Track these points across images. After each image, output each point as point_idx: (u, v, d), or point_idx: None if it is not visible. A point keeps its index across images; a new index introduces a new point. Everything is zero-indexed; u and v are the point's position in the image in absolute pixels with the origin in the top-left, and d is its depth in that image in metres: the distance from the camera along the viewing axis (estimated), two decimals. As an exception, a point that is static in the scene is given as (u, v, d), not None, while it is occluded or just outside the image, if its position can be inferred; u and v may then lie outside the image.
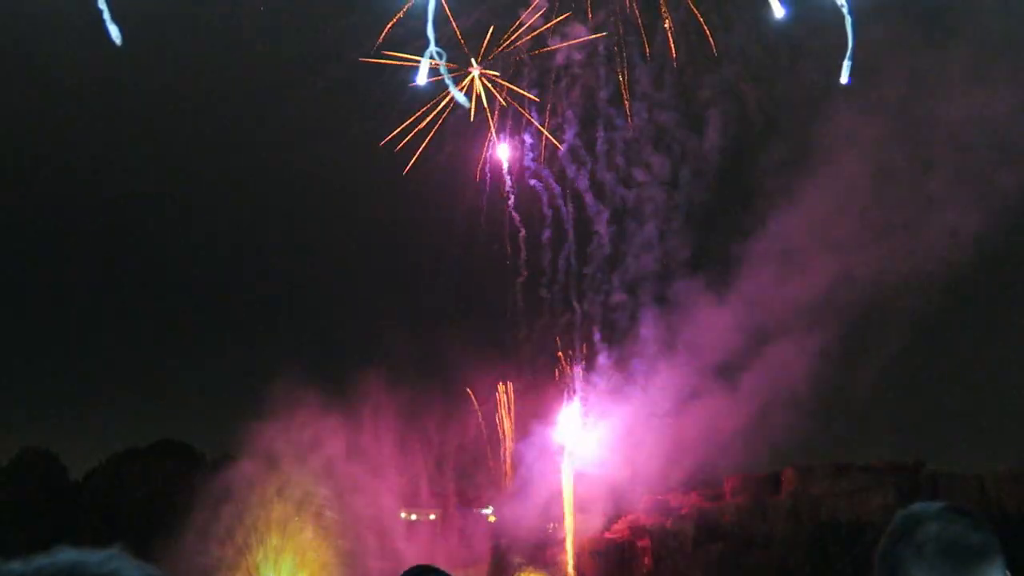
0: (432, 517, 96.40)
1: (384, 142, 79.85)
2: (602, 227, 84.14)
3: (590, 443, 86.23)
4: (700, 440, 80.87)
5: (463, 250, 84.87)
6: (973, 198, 73.07)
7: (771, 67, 78.58)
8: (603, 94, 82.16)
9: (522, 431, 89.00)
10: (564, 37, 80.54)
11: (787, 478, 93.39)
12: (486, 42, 78.10)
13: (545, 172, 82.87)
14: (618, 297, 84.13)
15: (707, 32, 78.89)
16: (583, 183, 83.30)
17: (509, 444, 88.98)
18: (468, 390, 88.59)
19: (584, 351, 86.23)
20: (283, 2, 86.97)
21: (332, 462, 75.94)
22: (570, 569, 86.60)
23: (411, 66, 70.73)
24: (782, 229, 77.31)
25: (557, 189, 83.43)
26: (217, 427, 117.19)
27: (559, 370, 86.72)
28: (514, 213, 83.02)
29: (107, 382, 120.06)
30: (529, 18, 79.05)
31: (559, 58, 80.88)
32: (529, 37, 79.16)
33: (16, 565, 2.96)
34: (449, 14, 71.06)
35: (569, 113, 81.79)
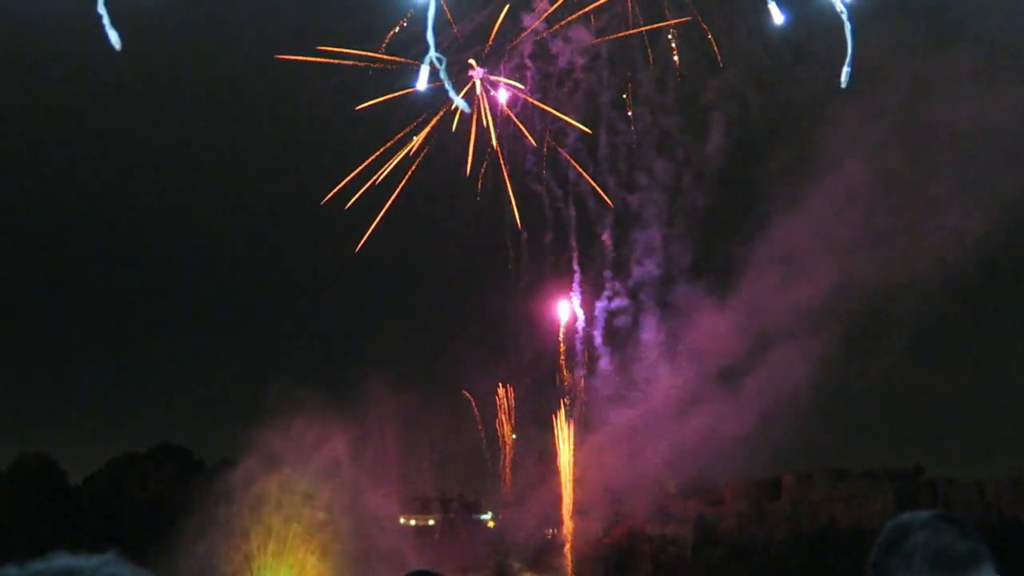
0: (431, 523, 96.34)
1: (381, 151, 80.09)
2: (604, 231, 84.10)
3: (590, 448, 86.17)
4: (700, 446, 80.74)
5: (464, 254, 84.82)
6: (976, 202, 72.96)
7: (774, 71, 78.49)
8: (605, 98, 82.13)
9: (522, 436, 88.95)
10: (567, 41, 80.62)
11: (787, 484, 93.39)
12: (488, 46, 78.25)
13: (547, 176, 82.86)
14: (620, 301, 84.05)
15: (711, 38, 78.97)
16: (585, 187, 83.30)
17: (509, 449, 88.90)
18: (468, 395, 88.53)
19: (585, 356, 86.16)
20: (285, 5, 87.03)
21: (332, 467, 75.91)
22: (570, 574, 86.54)
23: (411, 71, 71.04)
24: (784, 233, 77.18)
25: (559, 193, 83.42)
26: (217, 432, 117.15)
27: (559, 375, 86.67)
28: (516, 215, 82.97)
29: (106, 387, 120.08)
30: (531, 22, 79.12)
31: (561, 62, 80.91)
32: (528, 29, 79.16)
33: (12, 570, 2.96)
34: (451, 18, 71.23)
35: (571, 117, 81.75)
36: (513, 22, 79.08)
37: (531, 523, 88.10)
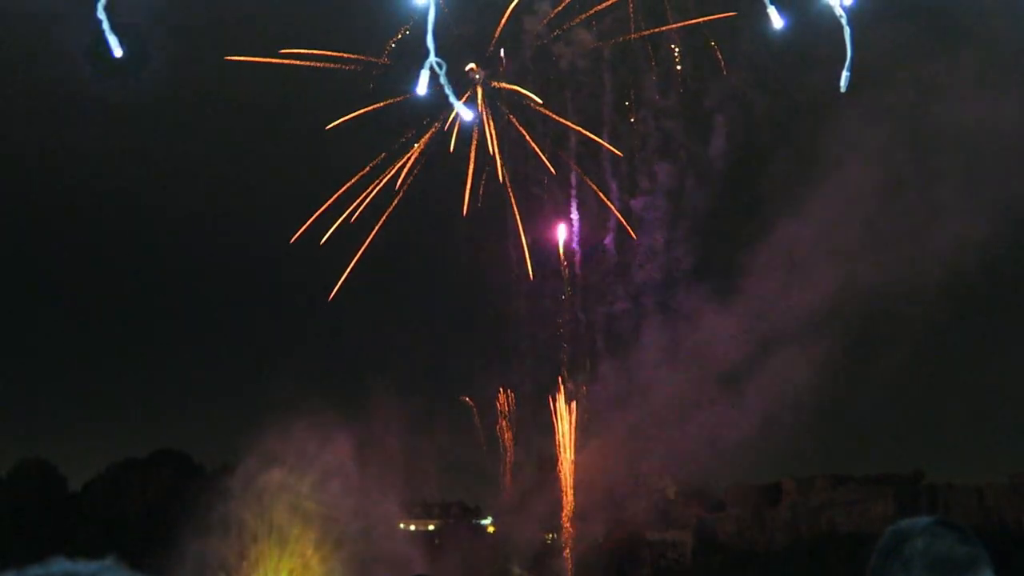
0: (432, 527, 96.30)
1: (379, 159, 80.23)
2: (607, 235, 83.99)
3: (591, 452, 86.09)
4: (701, 450, 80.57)
5: (467, 258, 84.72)
6: (980, 206, 72.65)
7: (777, 74, 78.35)
8: (608, 101, 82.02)
9: (523, 440, 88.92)
10: (569, 44, 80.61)
11: (787, 489, 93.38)
12: (490, 49, 78.31)
13: (549, 180, 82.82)
14: (622, 305, 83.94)
15: (713, 44, 79.00)
16: (587, 190, 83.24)
17: (509, 454, 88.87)
18: (469, 400, 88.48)
19: (587, 359, 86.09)
20: (285, 10, 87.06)
21: (332, 472, 75.79)
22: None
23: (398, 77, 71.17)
24: (787, 237, 76.94)
25: (561, 196, 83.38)
26: (216, 437, 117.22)
27: (562, 378, 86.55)
28: (518, 220, 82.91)
29: (106, 392, 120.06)
30: (534, 26, 79.15)
31: (564, 66, 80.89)
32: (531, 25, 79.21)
33: (10, 574, 2.96)
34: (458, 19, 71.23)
35: (574, 120, 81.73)
36: (515, 26, 79.23)
37: (531, 528, 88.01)
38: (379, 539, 76.56)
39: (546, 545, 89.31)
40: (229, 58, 79.08)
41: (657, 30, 79.93)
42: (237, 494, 74.50)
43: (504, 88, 79.94)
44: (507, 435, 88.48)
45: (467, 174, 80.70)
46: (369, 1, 75.29)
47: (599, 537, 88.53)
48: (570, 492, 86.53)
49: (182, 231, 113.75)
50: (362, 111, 78.98)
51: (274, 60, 77.98)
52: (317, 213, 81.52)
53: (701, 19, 78.70)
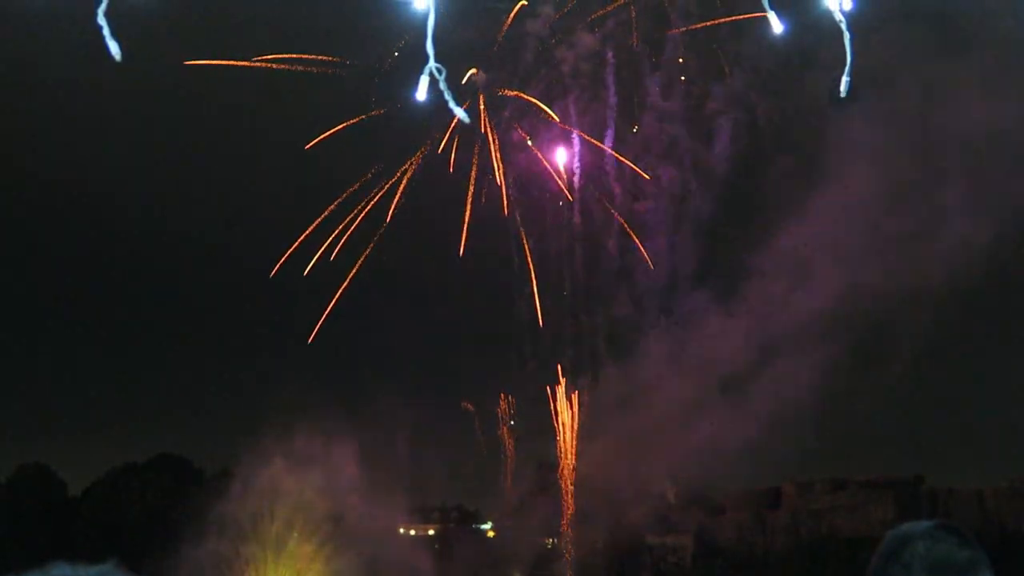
0: (431, 532, 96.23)
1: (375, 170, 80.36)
2: (609, 239, 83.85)
3: (592, 456, 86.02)
4: (703, 455, 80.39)
5: (470, 262, 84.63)
6: (985, 209, 72.41)
7: (781, 77, 78.19)
8: (611, 104, 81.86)
9: (524, 445, 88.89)
10: (572, 47, 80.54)
11: (787, 493, 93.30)
12: (492, 51, 78.31)
13: (552, 184, 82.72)
14: (624, 309, 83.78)
15: (716, 48, 78.96)
16: (591, 194, 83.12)
17: (510, 458, 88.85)
18: (469, 406, 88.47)
19: (589, 364, 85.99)
20: (287, 14, 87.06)
21: (332, 477, 75.69)
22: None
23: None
24: (791, 241, 76.71)
25: (565, 200, 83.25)
26: (216, 442, 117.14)
27: (563, 383, 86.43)
28: (520, 225, 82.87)
29: (105, 397, 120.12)
30: (536, 29, 79.08)
31: (566, 68, 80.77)
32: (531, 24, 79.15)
33: (10, 579, 2.97)
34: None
35: (576, 123, 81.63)
36: (517, 30, 79.19)
37: (531, 532, 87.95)
38: (376, 546, 76.48)
39: (546, 550, 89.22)
40: (188, 63, 78.39)
41: (661, 33, 79.99)
42: (237, 497, 74.44)
43: (511, 95, 79.93)
44: (508, 440, 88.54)
45: (466, 202, 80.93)
46: (369, 10, 75.16)
47: (599, 542, 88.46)
48: (570, 497, 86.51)
49: (183, 235, 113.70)
50: (361, 117, 79.04)
51: (235, 63, 77.84)
52: (316, 222, 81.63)
53: (705, 23, 78.74)
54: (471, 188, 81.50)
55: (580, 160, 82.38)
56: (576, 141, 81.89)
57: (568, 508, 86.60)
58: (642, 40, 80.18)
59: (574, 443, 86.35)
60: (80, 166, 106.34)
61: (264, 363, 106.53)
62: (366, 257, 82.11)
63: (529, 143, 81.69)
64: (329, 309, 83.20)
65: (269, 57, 77.69)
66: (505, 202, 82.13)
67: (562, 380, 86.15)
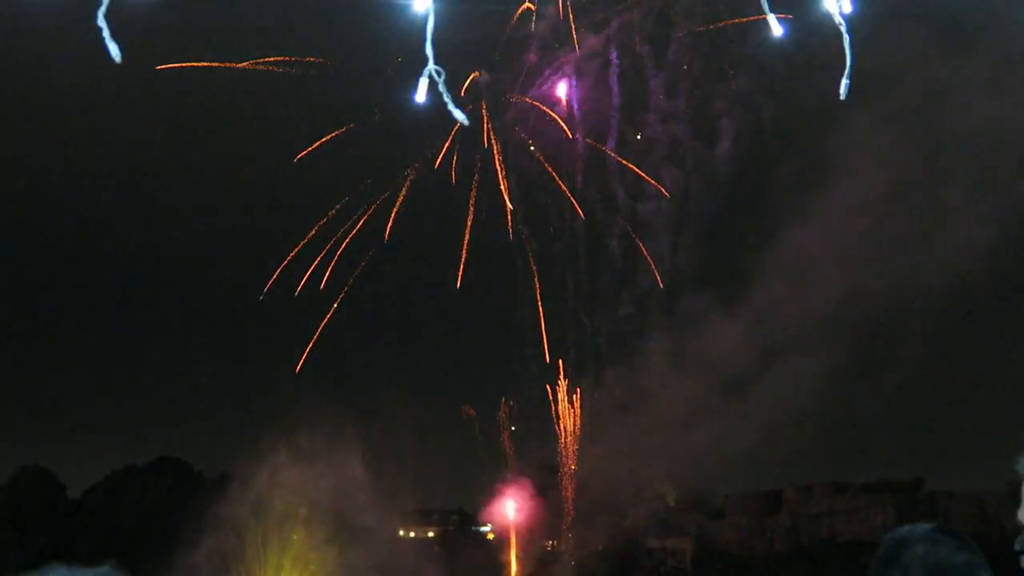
0: (431, 534, 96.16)
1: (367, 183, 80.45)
2: (612, 240, 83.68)
3: (593, 459, 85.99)
4: (703, 457, 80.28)
5: (468, 268, 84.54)
6: (988, 210, 72.15)
7: (786, 78, 77.84)
8: (615, 106, 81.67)
9: (525, 446, 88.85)
10: (575, 49, 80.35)
11: (787, 496, 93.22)
12: (496, 54, 78.28)
13: (554, 184, 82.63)
14: (626, 311, 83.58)
15: (720, 48, 78.82)
16: (593, 194, 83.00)
17: (511, 461, 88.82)
18: (471, 411, 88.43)
19: (592, 365, 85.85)
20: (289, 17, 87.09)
21: (332, 478, 75.63)
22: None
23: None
24: (793, 242, 76.42)
25: (568, 201, 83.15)
26: (215, 445, 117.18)
27: (565, 385, 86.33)
28: (521, 226, 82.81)
29: (105, 400, 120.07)
30: (539, 30, 78.99)
31: (569, 70, 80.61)
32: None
33: (11, 582, 2.97)
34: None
35: (580, 125, 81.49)
36: (519, 32, 79.10)
37: (532, 534, 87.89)
38: (376, 547, 76.42)
39: (546, 552, 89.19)
40: (161, 67, 77.88)
41: (666, 35, 79.84)
42: (236, 505, 74.36)
43: (513, 99, 79.88)
44: (508, 443, 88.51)
45: (472, 180, 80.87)
46: (367, 13, 75.18)
47: (599, 544, 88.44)
48: (571, 499, 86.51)
49: (183, 241, 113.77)
50: (349, 127, 79.10)
51: (205, 64, 77.71)
52: (316, 227, 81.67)
53: (709, 25, 78.62)
54: (473, 193, 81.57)
55: (583, 159, 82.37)
56: (580, 143, 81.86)
57: (568, 510, 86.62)
58: (646, 41, 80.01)
59: (575, 445, 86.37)
60: (81, 165, 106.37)
61: (265, 366, 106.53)
62: (367, 261, 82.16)
63: (532, 148, 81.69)
64: (327, 318, 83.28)
65: (259, 61, 77.76)
66: (508, 205, 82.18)
67: (563, 382, 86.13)
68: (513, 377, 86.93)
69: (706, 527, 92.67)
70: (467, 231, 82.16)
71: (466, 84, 77.84)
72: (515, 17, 77.93)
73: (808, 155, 77.64)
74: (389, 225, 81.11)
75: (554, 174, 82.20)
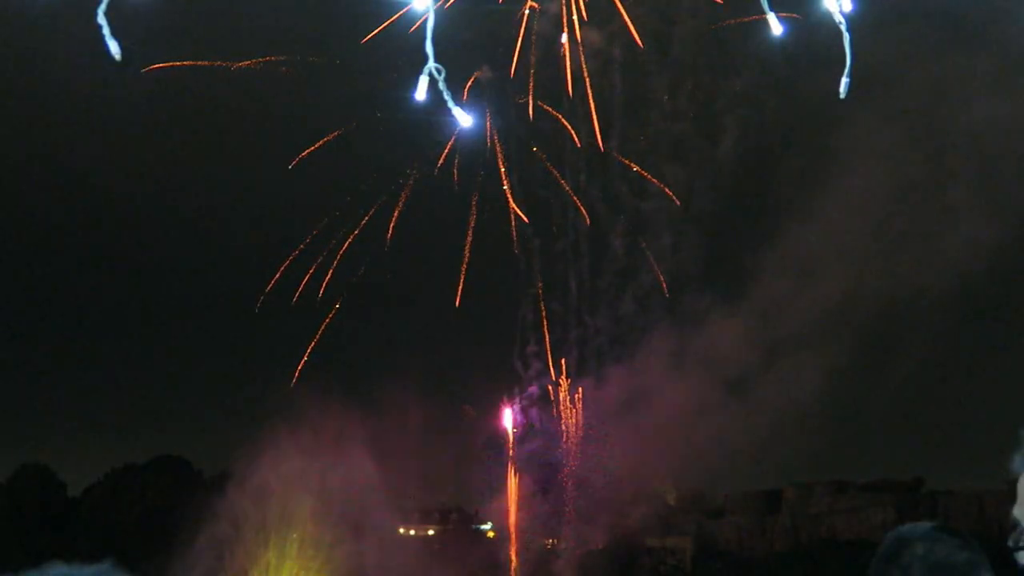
0: (431, 532, 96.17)
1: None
2: (615, 238, 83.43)
3: (594, 457, 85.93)
4: (704, 456, 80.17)
5: (470, 266, 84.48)
6: (991, 209, 71.90)
7: (789, 75, 77.53)
8: (617, 102, 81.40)
9: (526, 445, 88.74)
10: (578, 45, 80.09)
11: (787, 496, 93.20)
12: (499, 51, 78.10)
13: (554, 183, 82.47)
14: (629, 309, 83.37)
15: (724, 44, 78.63)
16: (596, 193, 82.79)
17: (512, 459, 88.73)
18: (470, 410, 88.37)
19: (594, 364, 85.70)
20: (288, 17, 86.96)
21: (333, 477, 75.59)
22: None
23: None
24: (796, 240, 76.21)
25: (569, 199, 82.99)
26: (215, 443, 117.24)
27: (567, 383, 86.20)
28: (523, 225, 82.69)
29: (105, 399, 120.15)
30: (542, 27, 78.80)
31: (572, 66, 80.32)
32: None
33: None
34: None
35: (582, 124, 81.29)
36: (521, 28, 78.94)
37: (531, 534, 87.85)
38: (377, 546, 76.40)
39: (546, 550, 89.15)
40: (149, 68, 77.57)
41: (669, 32, 79.62)
42: (235, 503, 74.32)
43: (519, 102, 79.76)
44: (511, 438, 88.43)
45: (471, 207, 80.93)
46: (368, 12, 75.03)
47: (599, 543, 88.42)
48: (571, 498, 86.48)
49: (183, 240, 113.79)
50: (339, 132, 79.19)
51: (187, 63, 77.62)
52: (317, 229, 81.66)
53: (713, 25, 78.43)
54: (475, 193, 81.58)
55: (585, 157, 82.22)
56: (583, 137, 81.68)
57: (569, 509, 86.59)
58: (649, 38, 79.71)
59: (576, 443, 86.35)
60: (82, 165, 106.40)
61: (265, 365, 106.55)
62: (369, 260, 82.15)
63: (536, 149, 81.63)
64: (329, 318, 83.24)
65: (256, 61, 77.75)
66: (511, 204, 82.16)
67: (565, 381, 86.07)
68: (515, 374, 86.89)
69: (706, 526, 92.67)
70: (469, 232, 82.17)
71: (468, 85, 77.76)
72: (517, 15, 77.89)
73: (811, 153, 77.44)
74: (391, 224, 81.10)
75: (556, 173, 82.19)
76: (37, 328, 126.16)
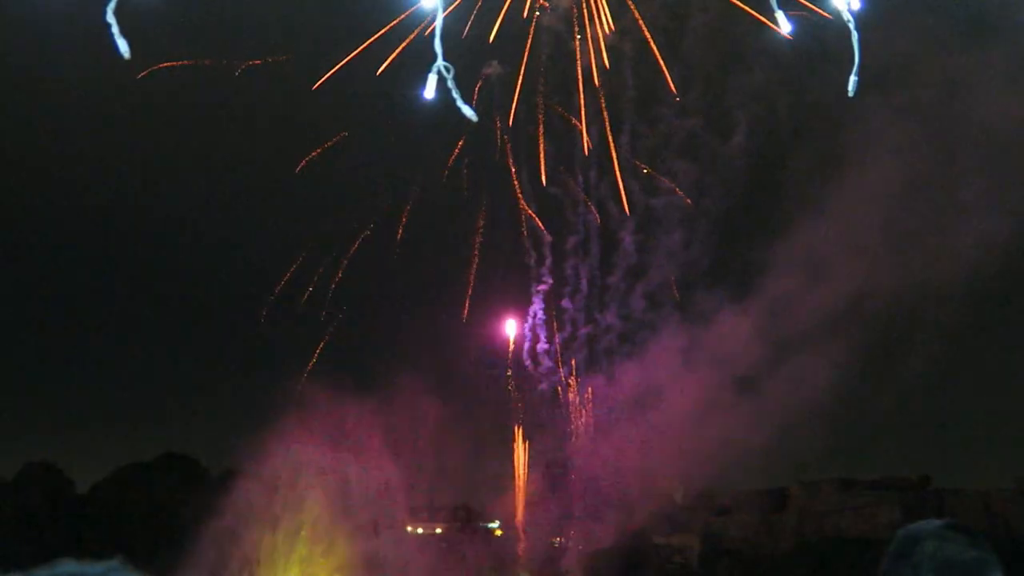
0: (439, 531, 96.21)
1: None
2: (625, 236, 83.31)
3: (602, 455, 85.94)
4: (713, 454, 80.00)
5: (478, 262, 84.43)
6: (1004, 206, 71.51)
7: (801, 70, 77.17)
8: (628, 98, 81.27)
9: (535, 443, 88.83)
10: (587, 41, 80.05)
11: (793, 494, 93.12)
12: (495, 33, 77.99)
13: (565, 179, 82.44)
14: (639, 306, 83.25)
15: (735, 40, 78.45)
16: (605, 191, 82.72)
17: (520, 455, 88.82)
18: (480, 408, 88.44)
19: (603, 361, 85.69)
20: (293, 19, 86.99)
21: (341, 474, 75.68)
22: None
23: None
24: (807, 236, 75.88)
25: (580, 197, 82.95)
26: (222, 441, 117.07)
27: (576, 381, 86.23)
28: (533, 222, 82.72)
29: (113, 396, 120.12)
30: (551, 23, 78.72)
31: (582, 63, 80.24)
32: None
33: (17, 576, 2.98)
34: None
35: (592, 118, 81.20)
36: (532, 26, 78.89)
37: (538, 532, 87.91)
38: (384, 544, 76.51)
39: (553, 548, 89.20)
40: (143, 73, 77.19)
41: (681, 26, 79.44)
42: (242, 500, 74.44)
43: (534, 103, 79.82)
44: (517, 439, 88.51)
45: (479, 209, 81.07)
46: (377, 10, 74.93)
47: (606, 541, 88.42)
48: (579, 495, 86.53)
49: (190, 236, 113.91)
50: (342, 135, 79.22)
51: (180, 63, 77.49)
52: (321, 232, 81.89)
53: (725, 21, 78.22)
54: (484, 192, 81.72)
55: (595, 156, 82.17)
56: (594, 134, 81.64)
57: (576, 507, 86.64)
58: (660, 33, 79.48)
59: (584, 442, 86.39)
60: (85, 166, 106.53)
61: (274, 362, 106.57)
62: (379, 259, 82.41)
63: (545, 146, 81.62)
64: (337, 320, 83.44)
65: (257, 61, 77.78)
66: (520, 201, 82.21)
67: (575, 379, 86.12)
68: (524, 371, 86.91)
69: (713, 524, 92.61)
70: (478, 231, 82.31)
71: (478, 87, 77.71)
72: (526, 12, 77.87)
73: (823, 148, 77.03)
74: (401, 225, 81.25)
75: (566, 170, 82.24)
76: (43, 326, 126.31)
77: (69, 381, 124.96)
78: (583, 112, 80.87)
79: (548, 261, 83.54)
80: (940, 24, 69.26)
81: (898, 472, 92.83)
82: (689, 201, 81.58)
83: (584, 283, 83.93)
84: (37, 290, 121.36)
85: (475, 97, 76.73)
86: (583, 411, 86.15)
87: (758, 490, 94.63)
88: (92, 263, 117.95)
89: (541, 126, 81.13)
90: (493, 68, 78.30)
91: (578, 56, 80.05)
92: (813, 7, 61.90)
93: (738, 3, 73.73)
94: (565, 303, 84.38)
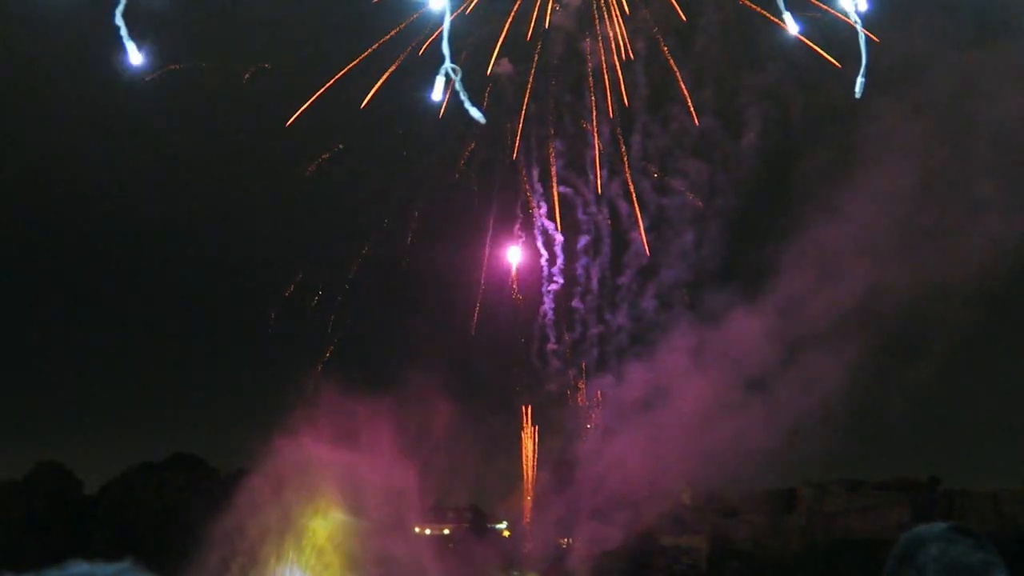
0: (446, 532, 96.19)
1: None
2: (636, 235, 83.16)
3: (610, 456, 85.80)
4: (722, 455, 79.74)
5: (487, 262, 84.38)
6: (1017, 204, 71.10)
7: (813, 69, 76.89)
8: (640, 97, 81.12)
9: (543, 444, 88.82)
10: (598, 39, 79.90)
11: (802, 495, 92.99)
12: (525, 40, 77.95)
13: (576, 180, 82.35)
14: (649, 306, 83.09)
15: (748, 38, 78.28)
16: (617, 190, 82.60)
17: (529, 456, 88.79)
18: (488, 411, 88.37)
19: (613, 362, 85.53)
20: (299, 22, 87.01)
21: (349, 475, 75.62)
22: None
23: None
24: (819, 235, 75.57)
25: (591, 196, 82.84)
26: (231, 441, 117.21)
27: (586, 381, 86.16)
28: (543, 220, 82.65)
29: (122, 396, 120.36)
30: (562, 21, 78.64)
31: (593, 61, 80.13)
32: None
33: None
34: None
35: (603, 117, 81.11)
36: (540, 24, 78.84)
37: (546, 532, 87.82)
38: (392, 545, 76.42)
39: (561, 549, 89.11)
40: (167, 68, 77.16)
41: (693, 25, 79.30)
42: (251, 501, 74.41)
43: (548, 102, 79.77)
44: (525, 439, 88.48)
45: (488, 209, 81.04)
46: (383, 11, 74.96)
47: (614, 542, 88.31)
48: (587, 496, 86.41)
49: (198, 238, 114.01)
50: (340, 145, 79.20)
51: (174, 67, 77.37)
52: (327, 238, 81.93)
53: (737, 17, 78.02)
54: (495, 190, 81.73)
55: (606, 155, 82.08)
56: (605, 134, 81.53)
57: (584, 508, 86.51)
58: (673, 31, 79.30)
59: (593, 443, 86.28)
60: (89, 166, 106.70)
61: (284, 363, 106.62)
62: (388, 260, 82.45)
63: (555, 144, 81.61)
64: (347, 322, 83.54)
65: (265, 65, 77.88)
66: (529, 200, 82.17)
67: (584, 379, 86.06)
68: (534, 372, 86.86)
69: (721, 525, 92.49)
70: (489, 229, 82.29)
71: (488, 89, 77.68)
72: (536, 11, 77.81)
73: (835, 147, 76.74)
74: (411, 225, 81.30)
75: (575, 168, 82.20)
76: (53, 326, 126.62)
77: (78, 383, 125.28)
78: (594, 112, 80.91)
79: (559, 261, 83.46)
80: (952, 23, 68.95)
81: (908, 473, 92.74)
82: (700, 204, 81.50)
83: (595, 283, 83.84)
84: (49, 293, 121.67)
85: (486, 98, 76.79)
86: (592, 412, 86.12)
87: (766, 491, 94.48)
88: (103, 265, 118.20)
89: (551, 126, 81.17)
90: (504, 67, 78.31)
91: (588, 56, 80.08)
92: (825, 7, 61.86)
93: (748, 3, 73.73)
94: (576, 303, 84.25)
